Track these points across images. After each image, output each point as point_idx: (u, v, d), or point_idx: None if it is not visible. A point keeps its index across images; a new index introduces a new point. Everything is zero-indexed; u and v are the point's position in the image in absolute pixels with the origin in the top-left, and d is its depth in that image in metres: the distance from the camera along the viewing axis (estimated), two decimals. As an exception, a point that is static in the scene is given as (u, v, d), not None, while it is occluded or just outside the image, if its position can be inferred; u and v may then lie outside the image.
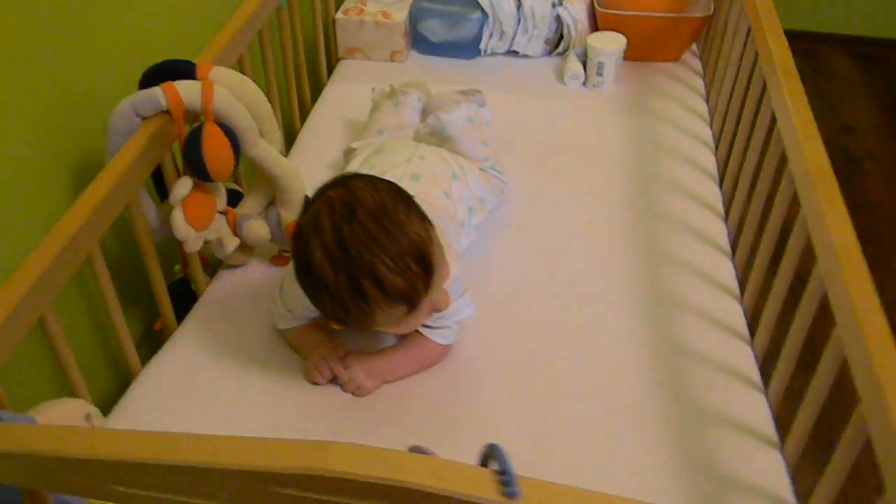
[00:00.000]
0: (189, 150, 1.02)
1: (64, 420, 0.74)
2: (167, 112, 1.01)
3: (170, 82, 1.02)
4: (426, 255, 0.86)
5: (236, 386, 1.01)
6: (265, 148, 1.11)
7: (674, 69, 1.69)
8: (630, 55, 1.65)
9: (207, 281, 1.20)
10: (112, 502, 0.62)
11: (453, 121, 1.30)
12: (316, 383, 1.00)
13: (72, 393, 0.90)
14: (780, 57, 1.11)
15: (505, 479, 0.54)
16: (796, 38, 1.30)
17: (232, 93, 1.05)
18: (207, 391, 0.99)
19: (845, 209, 0.85)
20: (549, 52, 1.74)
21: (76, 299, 1.05)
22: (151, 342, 1.16)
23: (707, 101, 1.60)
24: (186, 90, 1.02)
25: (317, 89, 1.68)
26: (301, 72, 1.58)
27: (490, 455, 0.56)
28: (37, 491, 0.67)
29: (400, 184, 1.13)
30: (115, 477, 0.60)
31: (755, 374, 1.04)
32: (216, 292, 1.17)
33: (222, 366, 1.03)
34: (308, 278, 0.87)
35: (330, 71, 1.72)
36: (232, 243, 1.14)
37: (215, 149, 1.02)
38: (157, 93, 1.00)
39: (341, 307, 0.87)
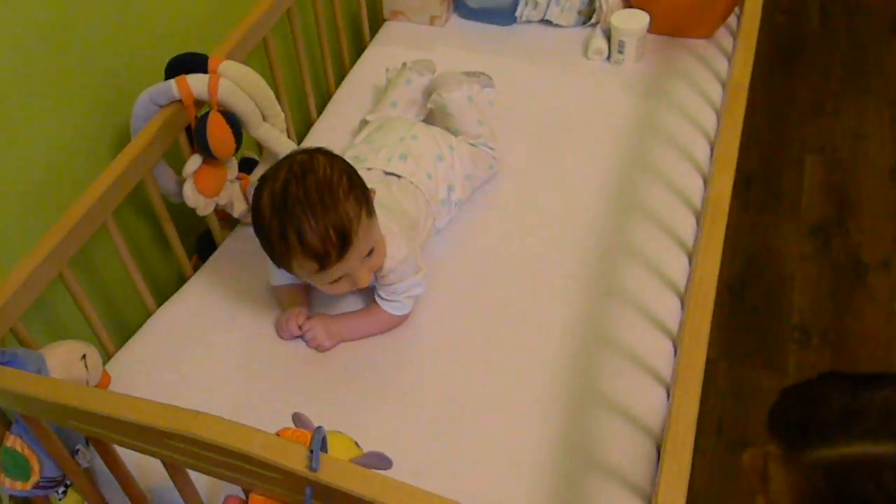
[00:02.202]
0: (197, 134, 1.22)
1: (64, 358, 0.99)
2: (180, 101, 1.21)
3: (182, 76, 1.21)
4: (346, 230, 1.03)
5: (226, 332, 1.23)
6: (267, 130, 1.29)
7: (704, 47, 1.70)
8: (660, 29, 1.68)
9: (228, 233, 1.43)
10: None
11: (454, 99, 1.44)
12: (282, 337, 1.21)
13: (92, 329, 1.16)
14: (737, 73, 1.15)
15: (311, 456, 0.72)
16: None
17: (237, 83, 1.24)
18: (202, 336, 1.23)
19: (720, 247, 0.93)
20: (584, 23, 1.79)
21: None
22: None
23: (724, 86, 1.62)
24: (196, 83, 1.21)
25: (360, 49, 1.82)
26: (340, 34, 1.73)
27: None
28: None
29: (389, 162, 1.31)
30: (69, 415, 0.83)
31: (669, 370, 1.15)
32: (232, 245, 1.39)
33: (220, 314, 1.26)
34: (254, 213, 1.08)
35: (374, 32, 1.85)
36: (240, 207, 1.35)
37: (218, 133, 1.21)
38: (172, 85, 1.20)
39: (269, 244, 1.07)
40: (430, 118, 1.51)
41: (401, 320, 1.22)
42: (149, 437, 0.80)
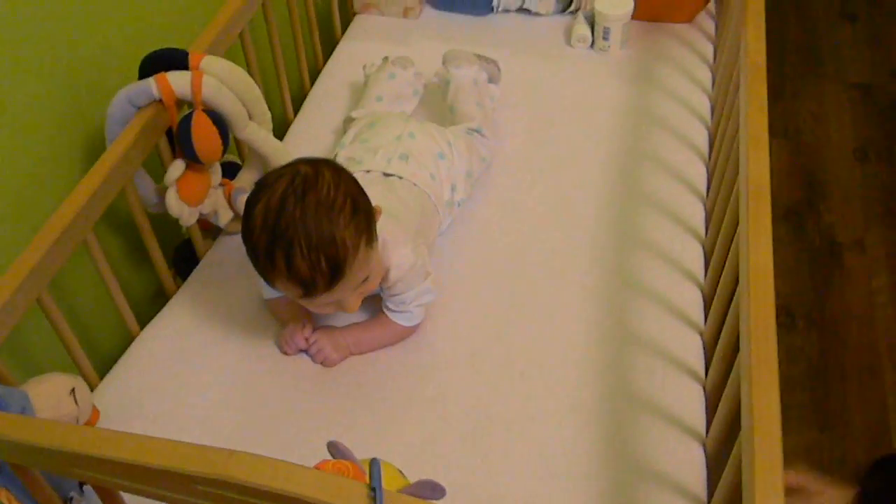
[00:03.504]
0: (180, 137, 1.11)
1: (51, 394, 0.88)
2: (160, 101, 1.10)
3: (162, 73, 1.10)
4: (340, 262, 0.94)
5: (221, 353, 1.13)
6: (254, 130, 1.19)
7: (686, 32, 1.67)
8: (640, 15, 1.64)
9: (209, 244, 1.31)
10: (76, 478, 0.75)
11: (460, 75, 1.41)
12: (286, 353, 1.11)
13: (72, 359, 1.04)
14: (752, 51, 1.11)
15: (373, 494, 0.64)
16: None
17: (222, 80, 1.13)
18: (194, 358, 1.12)
19: (769, 229, 0.89)
20: (563, 10, 1.73)
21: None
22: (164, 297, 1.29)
23: (712, 70, 1.59)
24: (177, 81, 1.10)
25: (331, 45, 1.73)
26: (313, 29, 1.63)
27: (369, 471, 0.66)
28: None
29: (390, 164, 1.22)
30: (73, 462, 0.72)
31: (700, 364, 1.10)
32: (215, 257, 1.28)
33: (211, 333, 1.15)
34: (245, 222, 0.97)
35: (345, 27, 1.76)
36: (226, 216, 1.24)
37: (203, 135, 1.11)
38: (151, 84, 1.09)
39: (254, 259, 0.97)
40: (419, 108, 1.43)
41: (412, 330, 1.13)
42: (172, 483, 0.69)
